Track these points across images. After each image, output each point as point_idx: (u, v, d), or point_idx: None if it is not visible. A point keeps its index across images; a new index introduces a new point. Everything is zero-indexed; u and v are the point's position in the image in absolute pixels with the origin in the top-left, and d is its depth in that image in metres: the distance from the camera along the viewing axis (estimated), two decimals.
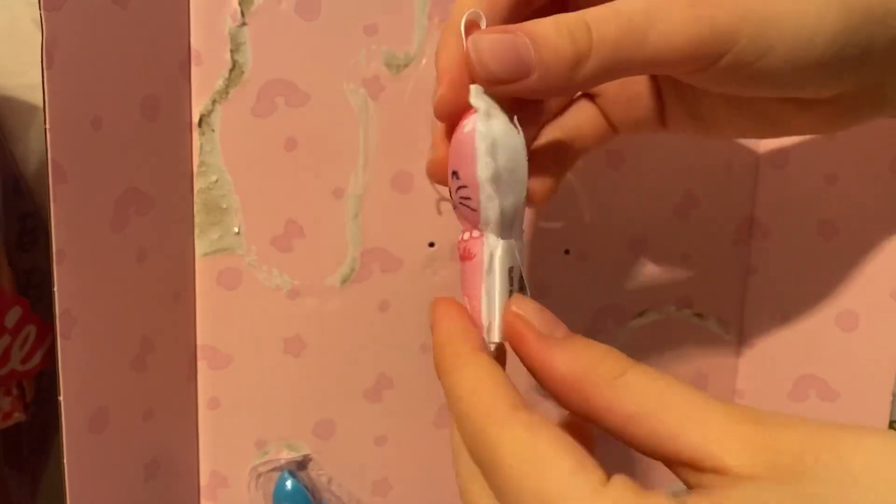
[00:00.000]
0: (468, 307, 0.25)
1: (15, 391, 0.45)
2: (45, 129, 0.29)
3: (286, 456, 0.40)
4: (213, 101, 0.36)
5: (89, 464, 0.33)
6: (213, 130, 0.37)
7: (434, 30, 0.37)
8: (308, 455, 0.40)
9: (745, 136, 0.32)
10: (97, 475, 0.34)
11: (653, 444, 0.20)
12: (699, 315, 0.44)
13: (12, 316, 0.43)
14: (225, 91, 0.36)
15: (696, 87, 0.28)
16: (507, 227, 0.25)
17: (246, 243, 0.38)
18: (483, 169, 0.24)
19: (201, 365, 0.39)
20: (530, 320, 0.23)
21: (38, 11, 0.29)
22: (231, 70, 0.36)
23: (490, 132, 0.24)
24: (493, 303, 0.25)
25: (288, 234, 0.38)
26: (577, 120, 0.32)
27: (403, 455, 0.41)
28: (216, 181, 0.37)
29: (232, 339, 0.39)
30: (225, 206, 0.37)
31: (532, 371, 0.23)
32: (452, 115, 0.26)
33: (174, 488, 0.38)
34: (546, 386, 0.23)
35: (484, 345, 0.24)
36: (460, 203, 0.25)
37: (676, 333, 0.44)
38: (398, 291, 0.40)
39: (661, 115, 0.32)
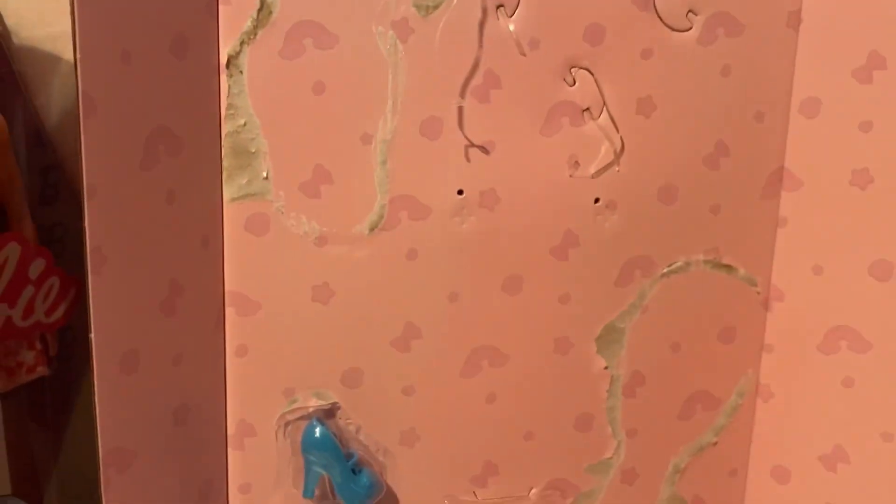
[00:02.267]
0: None
1: (38, 345, 0.45)
2: (76, 60, 0.29)
3: (314, 404, 0.39)
4: (241, 43, 0.36)
5: (120, 404, 0.33)
6: (240, 72, 0.36)
7: None
8: (336, 403, 0.40)
9: None
10: (128, 416, 0.33)
11: None
12: (728, 267, 0.43)
13: (36, 268, 0.42)
14: (253, 32, 0.36)
15: None
16: None
17: (274, 189, 0.37)
18: None
19: (229, 311, 0.38)
20: None
21: None
22: (259, 10, 0.36)
23: None
24: None
25: (316, 180, 0.38)
26: None
27: (431, 405, 0.41)
28: (244, 124, 0.37)
29: (260, 287, 0.38)
30: (253, 149, 0.37)
31: None
32: None
33: (202, 435, 0.38)
34: None
35: None
36: None
37: (705, 285, 0.43)
38: (426, 240, 0.39)
39: None
